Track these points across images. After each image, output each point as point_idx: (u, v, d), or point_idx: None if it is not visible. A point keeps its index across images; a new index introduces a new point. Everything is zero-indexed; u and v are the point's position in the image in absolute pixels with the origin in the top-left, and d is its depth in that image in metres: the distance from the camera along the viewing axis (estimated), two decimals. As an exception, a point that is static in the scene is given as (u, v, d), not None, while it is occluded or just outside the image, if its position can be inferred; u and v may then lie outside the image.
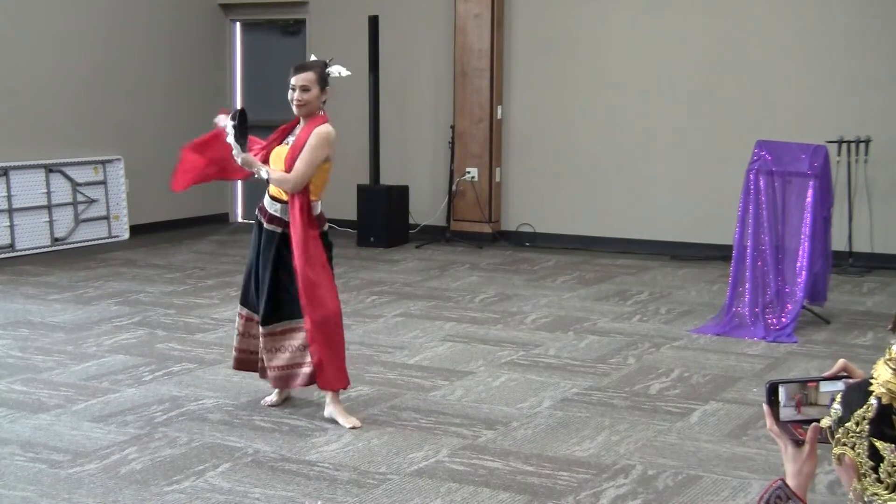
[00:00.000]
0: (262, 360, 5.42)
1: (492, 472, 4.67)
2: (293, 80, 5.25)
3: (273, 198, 5.36)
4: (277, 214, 5.33)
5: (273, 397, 5.62)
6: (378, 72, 10.90)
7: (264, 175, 5.26)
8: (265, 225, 5.37)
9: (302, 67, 5.31)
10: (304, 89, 5.24)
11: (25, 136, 10.26)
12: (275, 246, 5.33)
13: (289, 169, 5.23)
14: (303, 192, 5.26)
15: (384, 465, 4.74)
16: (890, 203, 9.58)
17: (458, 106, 11.11)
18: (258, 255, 5.40)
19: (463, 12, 10.98)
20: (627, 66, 10.51)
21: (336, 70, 5.32)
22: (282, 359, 5.35)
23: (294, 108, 5.30)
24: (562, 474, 4.64)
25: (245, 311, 5.52)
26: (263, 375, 5.50)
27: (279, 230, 5.33)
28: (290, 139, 5.35)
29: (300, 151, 5.22)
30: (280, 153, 5.31)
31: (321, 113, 5.34)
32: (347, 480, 4.56)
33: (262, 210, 5.41)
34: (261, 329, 5.38)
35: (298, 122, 5.37)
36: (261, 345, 5.41)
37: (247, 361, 5.57)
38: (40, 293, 8.39)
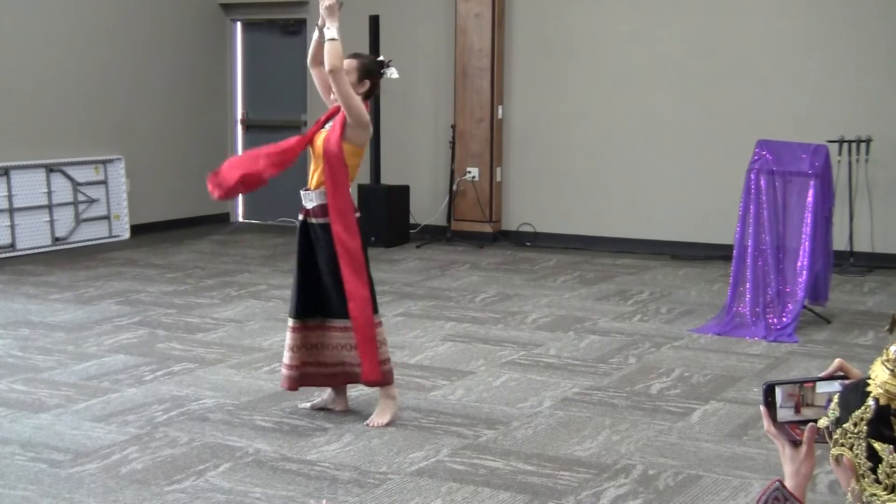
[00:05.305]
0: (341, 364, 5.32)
1: (492, 471, 4.67)
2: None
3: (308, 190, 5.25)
4: (314, 203, 5.22)
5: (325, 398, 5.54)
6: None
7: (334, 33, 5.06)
8: (312, 220, 5.25)
9: (351, 55, 5.27)
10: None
11: (26, 136, 10.26)
12: (324, 239, 5.22)
13: (326, 152, 5.13)
14: (343, 178, 5.16)
15: (385, 465, 4.74)
16: (891, 202, 9.58)
17: (459, 106, 11.12)
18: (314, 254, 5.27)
19: (463, 12, 10.98)
20: (628, 65, 10.51)
21: (389, 72, 5.30)
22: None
23: None
24: (562, 474, 4.65)
25: (298, 323, 5.31)
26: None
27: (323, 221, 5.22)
28: (329, 125, 5.28)
29: (339, 130, 5.14)
30: (320, 138, 5.24)
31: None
32: (348, 480, 4.56)
33: (304, 210, 5.28)
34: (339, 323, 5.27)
35: (339, 110, 5.27)
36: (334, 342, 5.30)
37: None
38: (41, 293, 8.40)
